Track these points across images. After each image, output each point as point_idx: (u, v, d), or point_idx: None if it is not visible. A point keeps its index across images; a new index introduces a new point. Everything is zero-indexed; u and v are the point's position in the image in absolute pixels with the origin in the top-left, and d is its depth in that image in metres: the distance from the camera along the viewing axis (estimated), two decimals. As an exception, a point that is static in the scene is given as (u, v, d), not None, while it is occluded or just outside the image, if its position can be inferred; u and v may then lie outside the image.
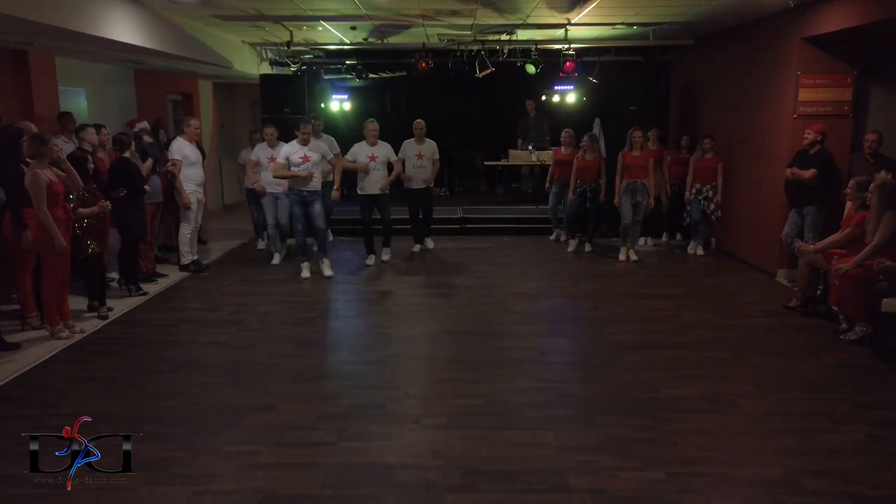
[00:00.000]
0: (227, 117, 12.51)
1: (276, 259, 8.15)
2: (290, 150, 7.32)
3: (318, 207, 7.36)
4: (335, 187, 7.59)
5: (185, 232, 7.70)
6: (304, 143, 7.36)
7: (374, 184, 7.92)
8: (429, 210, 8.84)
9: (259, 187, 8.05)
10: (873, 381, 4.68)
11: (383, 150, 7.93)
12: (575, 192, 8.68)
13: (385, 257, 8.35)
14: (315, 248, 8.02)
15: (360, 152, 7.91)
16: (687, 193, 8.58)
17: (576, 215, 8.92)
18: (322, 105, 11.09)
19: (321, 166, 7.41)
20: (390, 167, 8.09)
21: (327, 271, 7.55)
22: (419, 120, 8.46)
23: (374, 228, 8.22)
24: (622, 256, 8.31)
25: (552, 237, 9.57)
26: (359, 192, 8.07)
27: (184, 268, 7.75)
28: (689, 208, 8.63)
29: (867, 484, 3.37)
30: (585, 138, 8.64)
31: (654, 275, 7.67)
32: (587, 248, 8.94)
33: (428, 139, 8.46)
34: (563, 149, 9.10)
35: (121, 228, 6.46)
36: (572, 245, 8.98)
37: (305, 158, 7.29)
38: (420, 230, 8.91)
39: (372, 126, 7.92)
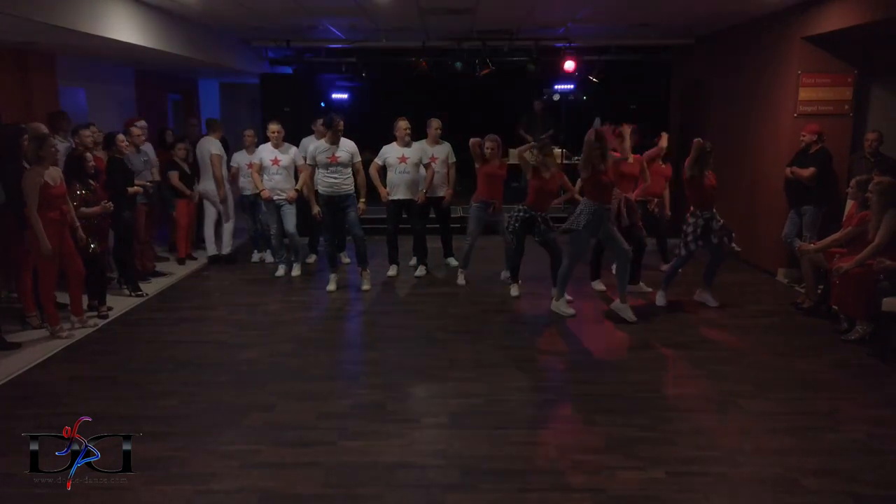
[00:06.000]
0: (228, 117, 12.50)
1: (281, 271, 7.52)
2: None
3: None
4: (361, 199, 6.76)
5: (229, 226, 8.09)
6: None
7: (403, 188, 7.17)
8: (443, 223, 7.86)
9: (266, 194, 7.25)
10: (873, 381, 4.68)
11: (415, 151, 7.17)
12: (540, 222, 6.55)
13: (419, 273, 7.52)
14: (344, 259, 8.00)
15: (391, 154, 7.15)
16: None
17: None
18: (322, 104, 11.08)
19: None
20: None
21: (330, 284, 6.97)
22: (435, 119, 7.54)
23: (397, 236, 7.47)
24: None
25: (502, 277, 7.15)
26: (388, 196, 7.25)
27: (214, 259, 8.10)
28: (693, 247, 6.16)
29: (867, 484, 3.37)
30: (547, 145, 6.51)
31: (655, 274, 7.66)
32: (552, 306, 6.18)
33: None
34: (491, 159, 6.98)
35: (112, 226, 6.44)
36: (558, 302, 6.17)
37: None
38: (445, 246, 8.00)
39: (403, 125, 7.10)
